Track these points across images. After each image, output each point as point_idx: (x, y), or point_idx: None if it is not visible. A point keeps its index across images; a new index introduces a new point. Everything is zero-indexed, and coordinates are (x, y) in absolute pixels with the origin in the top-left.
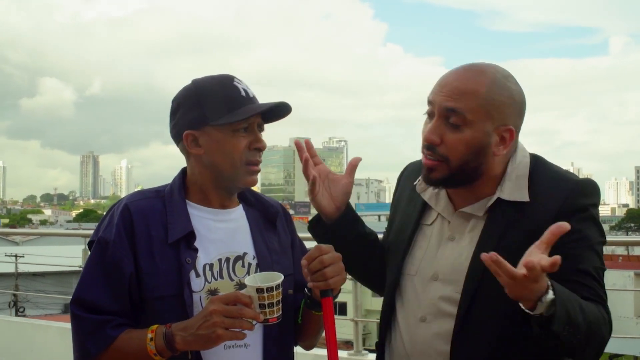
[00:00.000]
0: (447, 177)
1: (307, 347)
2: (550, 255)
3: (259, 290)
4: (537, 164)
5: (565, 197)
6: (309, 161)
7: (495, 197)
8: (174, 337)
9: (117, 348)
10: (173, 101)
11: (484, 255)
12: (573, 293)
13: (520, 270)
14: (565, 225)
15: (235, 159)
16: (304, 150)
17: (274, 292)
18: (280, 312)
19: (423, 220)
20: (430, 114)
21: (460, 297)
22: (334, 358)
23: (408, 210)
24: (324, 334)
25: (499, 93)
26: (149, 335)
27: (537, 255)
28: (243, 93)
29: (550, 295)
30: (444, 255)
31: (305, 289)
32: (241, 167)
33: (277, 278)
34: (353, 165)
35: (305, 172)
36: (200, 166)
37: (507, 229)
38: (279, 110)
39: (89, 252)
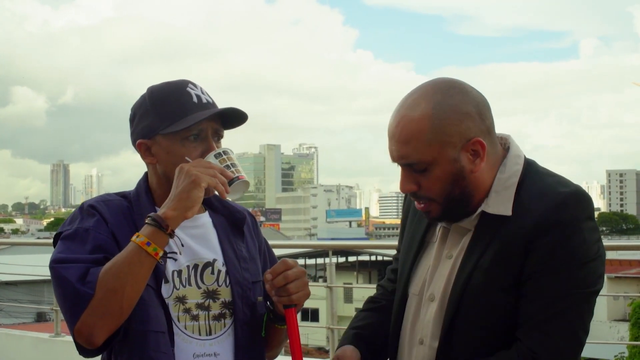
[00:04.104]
0: (444, 212)
1: (270, 357)
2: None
3: (217, 155)
4: (527, 173)
5: (543, 212)
6: None
7: (479, 211)
8: (159, 214)
9: (106, 269)
10: (131, 109)
11: None
12: None
13: None
14: None
15: None
16: None
17: (231, 155)
18: (244, 174)
19: (428, 237)
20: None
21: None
22: None
23: (415, 227)
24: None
25: (445, 116)
26: (134, 237)
27: None
28: (195, 99)
29: None
30: (441, 274)
31: (268, 303)
32: None
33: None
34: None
35: None
36: (156, 175)
37: (488, 245)
38: (235, 116)
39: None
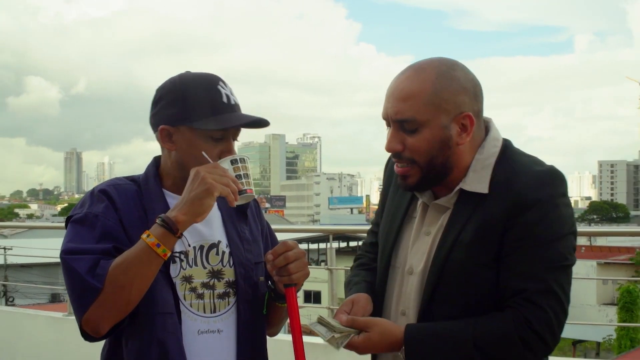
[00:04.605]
0: (421, 179)
1: (271, 334)
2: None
3: (233, 162)
4: (505, 153)
5: (520, 190)
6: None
7: (457, 188)
8: (169, 216)
9: (116, 265)
10: (157, 90)
11: None
12: (453, 334)
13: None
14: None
15: (202, 164)
16: None
17: (246, 164)
18: (253, 188)
19: (410, 212)
20: (388, 125)
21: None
22: (299, 345)
23: (398, 200)
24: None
25: (446, 85)
26: (144, 235)
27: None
28: (225, 99)
29: (402, 356)
30: (420, 249)
31: (269, 282)
32: None
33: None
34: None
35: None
36: (171, 160)
37: (467, 222)
38: (256, 122)
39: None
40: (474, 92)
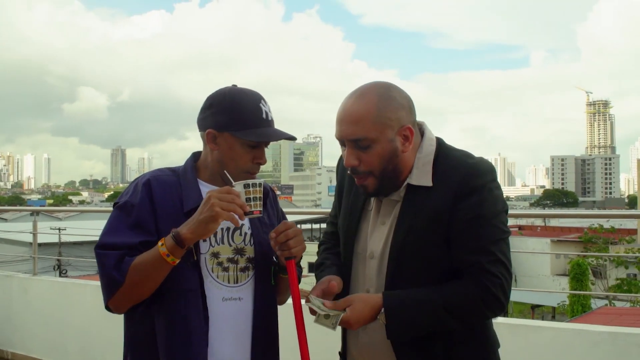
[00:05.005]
0: (378, 186)
1: (280, 303)
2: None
3: (246, 186)
4: (440, 150)
5: (459, 181)
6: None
7: (405, 184)
8: (179, 232)
9: (136, 264)
10: (208, 98)
11: None
12: (425, 298)
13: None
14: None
15: (238, 166)
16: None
17: (257, 188)
18: (261, 209)
19: (366, 206)
20: (342, 145)
21: (385, 272)
22: (298, 308)
23: (354, 197)
24: None
25: (387, 105)
26: (160, 243)
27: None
28: (264, 115)
29: (382, 320)
30: (377, 237)
31: (274, 257)
32: (240, 173)
33: (258, 180)
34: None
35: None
36: (212, 157)
37: (417, 211)
38: (286, 138)
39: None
40: (409, 106)
